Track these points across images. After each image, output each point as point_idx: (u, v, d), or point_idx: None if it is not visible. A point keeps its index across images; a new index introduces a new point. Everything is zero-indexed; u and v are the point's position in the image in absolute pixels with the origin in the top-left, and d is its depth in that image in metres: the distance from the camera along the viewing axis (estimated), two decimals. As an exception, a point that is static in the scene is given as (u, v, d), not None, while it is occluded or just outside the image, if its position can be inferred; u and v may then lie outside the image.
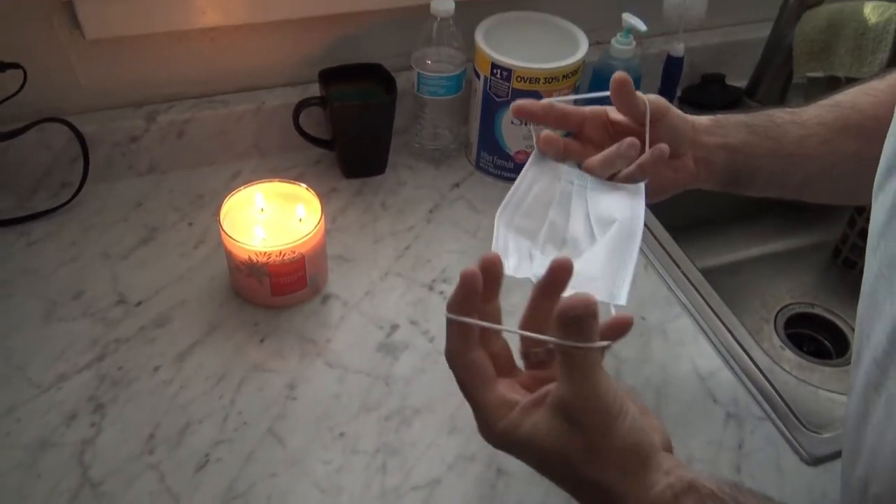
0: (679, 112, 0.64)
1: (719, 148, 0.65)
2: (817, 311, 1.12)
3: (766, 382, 0.75)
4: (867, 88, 0.67)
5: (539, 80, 0.85)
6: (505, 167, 0.94)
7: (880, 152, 0.47)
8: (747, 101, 1.10)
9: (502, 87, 0.87)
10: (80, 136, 0.85)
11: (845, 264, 1.15)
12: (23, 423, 0.66)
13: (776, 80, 1.08)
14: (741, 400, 0.73)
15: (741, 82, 1.12)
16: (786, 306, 1.12)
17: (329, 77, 0.90)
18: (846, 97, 0.67)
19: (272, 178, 0.86)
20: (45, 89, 0.84)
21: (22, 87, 0.79)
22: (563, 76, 0.86)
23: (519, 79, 0.85)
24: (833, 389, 0.76)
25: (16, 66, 0.78)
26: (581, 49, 0.88)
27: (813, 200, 0.70)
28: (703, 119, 0.67)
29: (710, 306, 0.82)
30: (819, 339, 1.10)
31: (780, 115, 0.67)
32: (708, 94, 1.09)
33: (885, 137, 0.47)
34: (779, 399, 0.73)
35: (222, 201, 0.76)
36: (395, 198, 0.92)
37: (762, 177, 0.66)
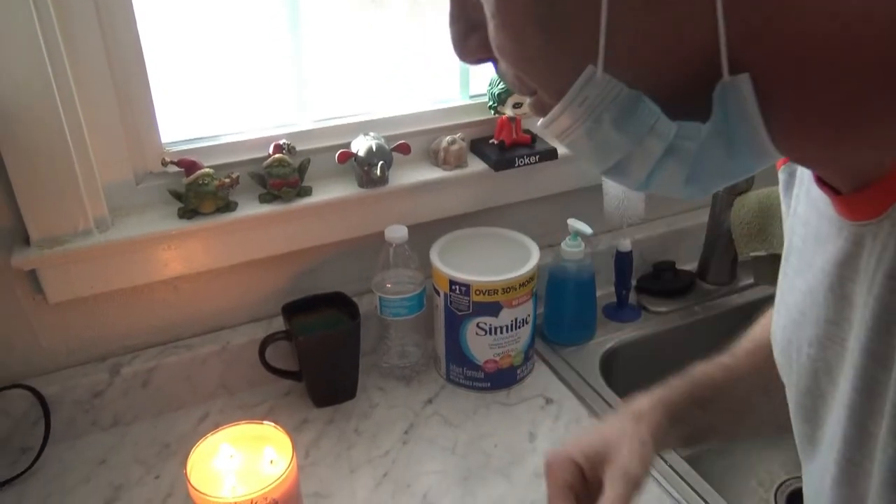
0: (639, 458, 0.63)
1: (677, 441, 0.68)
2: (816, 484, 1.08)
3: (778, 579, 0.70)
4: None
5: (497, 291, 0.88)
6: (475, 377, 0.93)
7: None
8: (700, 284, 1.14)
9: (462, 301, 0.89)
10: (41, 399, 0.83)
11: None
12: None
13: (723, 261, 1.12)
14: None
15: (692, 264, 1.16)
16: (784, 482, 1.08)
17: (292, 310, 0.91)
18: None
19: (241, 415, 0.84)
20: (6, 356, 0.84)
21: (-18, 360, 0.79)
22: (520, 285, 0.89)
23: (478, 292, 0.88)
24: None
25: (-23, 338, 0.78)
26: (533, 257, 0.91)
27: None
28: (650, 428, 0.65)
29: (702, 498, 0.79)
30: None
31: (718, 373, 0.68)
32: (662, 281, 1.13)
33: None
34: None
35: (188, 454, 0.73)
36: (368, 422, 0.90)
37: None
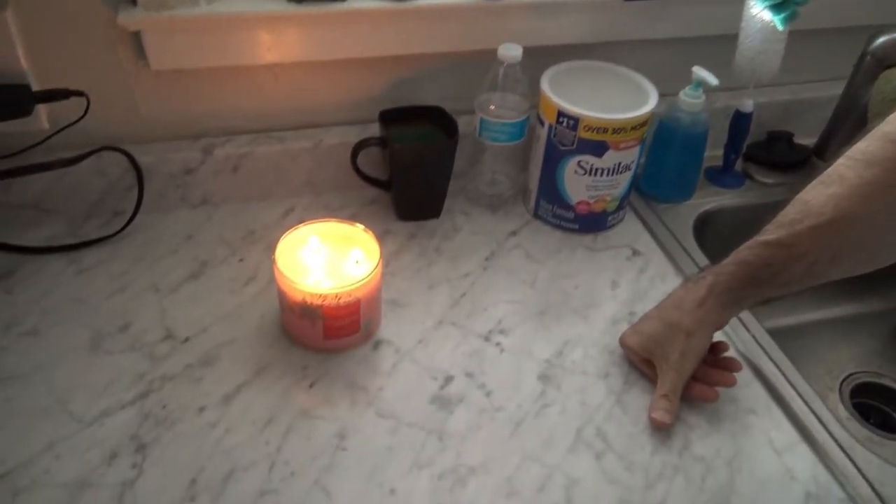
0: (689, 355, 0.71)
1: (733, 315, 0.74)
2: (885, 381, 1.06)
3: (848, 461, 0.69)
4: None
5: (607, 130, 0.83)
6: (564, 217, 0.91)
7: None
8: (816, 161, 1.07)
9: (568, 135, 0.84)
10: (136, 167, 0.84)
11: (914, 334, 1.09)
12: (63, 459, 0.63)
13: (847, 140, 1.03)
14: (821, 479, 0.68)
15: (809, 140, 1.08)
16: (851, 374, 1.06)
17: (389, 118, 0.88)
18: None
19: (325, 215, 0.84)
20: (105, 118, 0.84)
21: (84, 114, 0.79)
22: (632, 127, 0.83)
23: (586, 128, 0.83)
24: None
25: (80, 93, 0.77)
26: (651, 100, 0.85)
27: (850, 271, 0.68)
28: (705, 318, 0.71)
29: (782, 372, 0.78)
30: (887, 411, 1.04)
31: (775, 254, 0.67)
32: (774, 152, 1.06)
33: None
34: (862, 480, 0.68)
35: (277, 239, 0.74)
36: (450, 243, 0.89)
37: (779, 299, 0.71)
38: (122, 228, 0.85)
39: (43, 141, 0.80)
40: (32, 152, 0.80)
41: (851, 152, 0.65)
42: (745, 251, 0.69)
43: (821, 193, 0.66)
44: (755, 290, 0.69)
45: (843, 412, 1.01)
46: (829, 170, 0.66)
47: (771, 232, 0.67)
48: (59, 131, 0.80)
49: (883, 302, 1.14)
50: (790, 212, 0.67)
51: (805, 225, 0.65)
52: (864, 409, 1.02)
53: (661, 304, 0.75)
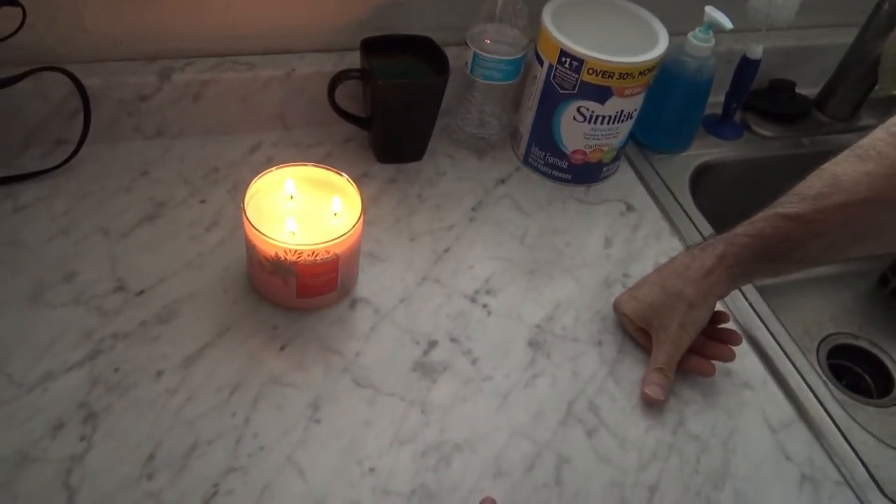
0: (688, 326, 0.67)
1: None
2: (861, 343, 1.04)
3: (844, 440, 0.67)
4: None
5: (613, 75, 0.75)
6: (557, 166, 0.84)
7: None
8: (816, 115, 1.02)
9: (569, 78, 0.77)
10: (81, 89, 0.74)
11: (893, 295, 1.08)
12: (-1, 429, 0.56)
13: (851, 94, 0.99)
14: (817, 460, 0.65)
15: (810, 90, 1.03)
16: (829, 336, 1.05)
17: (372, 47, 0.79)
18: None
19: (295, 153, 0.76)
20: (46, 32, 0.73)
21: (20, 27, 0.68)
22: (640, 73, 0.76)
23: (590, 71, 0.75)
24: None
25: (13, 2, 0.66)
26: (661, 43, 0.78)
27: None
28: (710, 290, 0.66)
29: (779, 344, 0.74)
30: (858, 372, 1.03)
31: (794, 229, 0.62)
32: (775, 102, 1.00)
33: None
34: (858, 462, 0.65)
35: (243, 180, 0.66)
36: (433, 190, 0.82)
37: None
38: (66, 161, 0.75)
39: (-30, 56, 0.69)
40: (-43, 69, 0.70)
41: (894, 126, 0.59)
42: (761, 222, 0.63)
43: (854, 169, 0.60)
44: (767, 264, 0.64)
45: (819, 373, 0.99)
46: (865, 142, 0.60)
47: (793, 204, 0.62)
48: (-12, 46, 0.69)
49: (866, 261, 1.12)
50: (816, 184, 0.61)
51: (833, 201, 0.59)
52: (836, 371, 1.01)
53: (661, 269, 0.69)
